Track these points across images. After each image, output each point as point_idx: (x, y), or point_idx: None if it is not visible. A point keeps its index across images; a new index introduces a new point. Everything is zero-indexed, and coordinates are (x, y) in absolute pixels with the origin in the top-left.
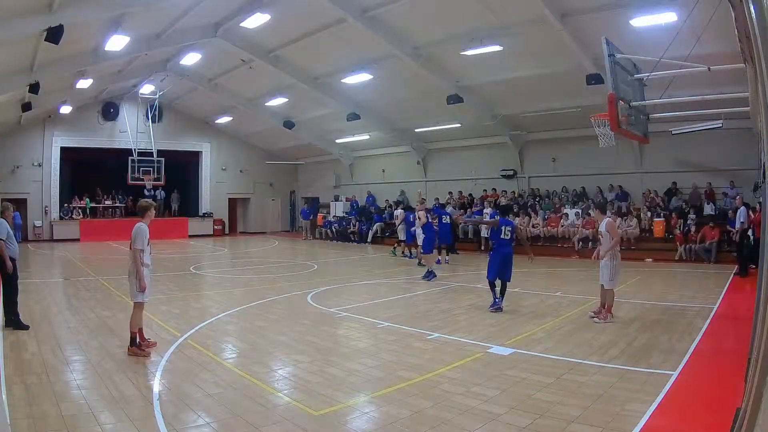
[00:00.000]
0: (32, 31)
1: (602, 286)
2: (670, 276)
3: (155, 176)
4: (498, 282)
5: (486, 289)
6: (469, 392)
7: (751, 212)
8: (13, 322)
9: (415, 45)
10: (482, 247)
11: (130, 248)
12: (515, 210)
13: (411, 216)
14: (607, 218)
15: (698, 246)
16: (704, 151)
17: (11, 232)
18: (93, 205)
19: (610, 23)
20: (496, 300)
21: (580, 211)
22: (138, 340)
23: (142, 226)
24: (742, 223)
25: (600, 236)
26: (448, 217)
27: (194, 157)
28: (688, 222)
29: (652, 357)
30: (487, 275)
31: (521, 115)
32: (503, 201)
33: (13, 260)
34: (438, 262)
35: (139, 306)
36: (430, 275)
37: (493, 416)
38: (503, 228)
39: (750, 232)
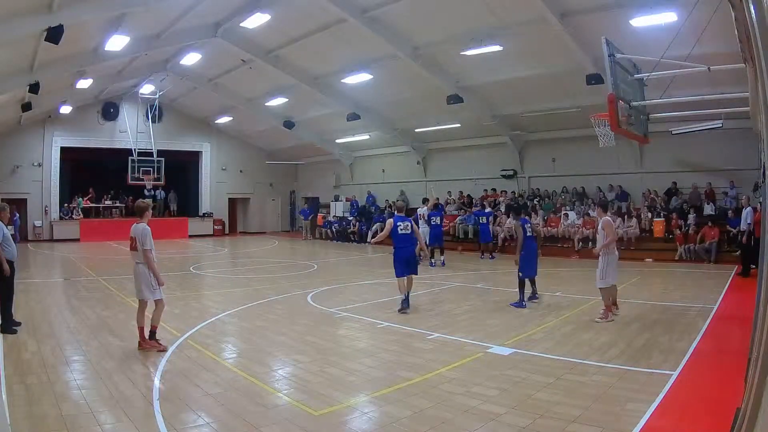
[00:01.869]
0: (32, 31)
1: None
2: (670, 276)
3: (155, 176)
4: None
5: (485, 289)
6: (469, 392)
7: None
8: (3, 324)
9: (415, 45)
10: (479, 247)
11: (133, 249)
12: (514, 207)
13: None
14: (606, 217)
15: (698, 246)
16: (704, 151)
17: (8, 234)
18: (85, 206)
19: (610, 23)
20: (524, 302)
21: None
22: (143, 336)
23: (147, 227)
24: (749, 224)
25: (597, 234)
26: (438, 218)
27: (194, 157)
28: (689, 222)
29: (652, 357)
30: (524, 274)
31: (521, 115)
32: (503, 201)
33: (11, 262)
34: (432, 264)
35: (159, 303)
36: (404, 303)
37: (493, 416)
38: (526, 227)
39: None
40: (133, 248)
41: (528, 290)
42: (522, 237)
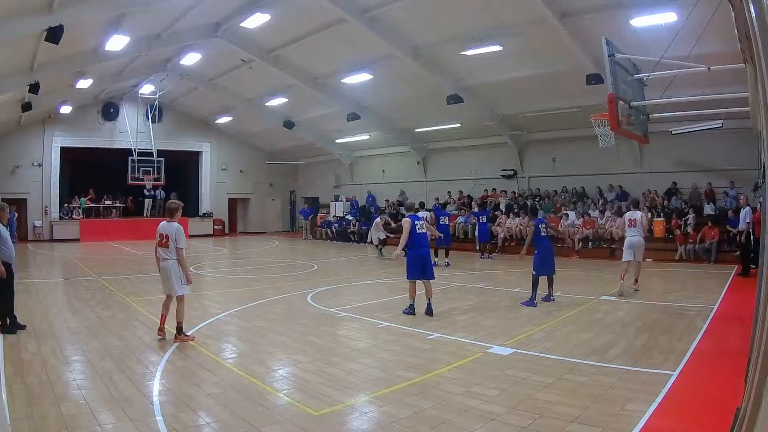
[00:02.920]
0: (32, 31)
1: None
2: (670, 276)
3: (155, 176)
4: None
5: (485, 289)
6: (469, 392)
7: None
8: (4, 325)
9: (415, 45)
10: (476, 247)
11: (163, 246)
12: (515, 210)
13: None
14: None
15: (698, 246)
16: (704, 151)
17: (6, 235)
18: (87, 205)
19: (610, 23)
20: (534, 300)
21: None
22: (164, 323)
23: (181, 226)
24: (747, 223)
25: None
26: (447, 218)
27: (194, 157)
28: (689, 222)
29: (652, 357)
30: (537, 273)
31: (521, 115)
32: (503, 201)
33: (8, 264)
34: (435, 264)
35: (181, 299)
36: (411, 309)
37: (493, 416)
38: (541, 227)
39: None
40: (163, 245)
41: (545, 291)
42: (532, 236)
